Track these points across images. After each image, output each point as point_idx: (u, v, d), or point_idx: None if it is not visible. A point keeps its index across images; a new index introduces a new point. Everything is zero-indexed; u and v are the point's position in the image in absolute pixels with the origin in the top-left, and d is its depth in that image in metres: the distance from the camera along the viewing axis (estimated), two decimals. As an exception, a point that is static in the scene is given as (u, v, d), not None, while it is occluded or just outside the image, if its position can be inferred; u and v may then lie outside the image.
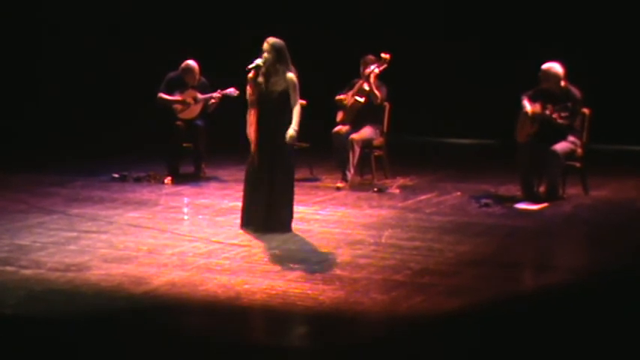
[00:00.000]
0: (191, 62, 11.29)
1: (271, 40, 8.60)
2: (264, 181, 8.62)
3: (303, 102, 8.95)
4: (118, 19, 14.85)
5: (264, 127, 8.60)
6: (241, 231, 8.64)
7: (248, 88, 8.67)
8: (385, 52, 10.68)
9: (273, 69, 8.59)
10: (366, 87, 10.80)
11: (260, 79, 8.60)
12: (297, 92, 8.61)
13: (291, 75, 8.59)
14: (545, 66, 9.90)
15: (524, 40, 13.34)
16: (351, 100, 10.87)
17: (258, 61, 8.56)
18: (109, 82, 14.50)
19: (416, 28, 14.03)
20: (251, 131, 8.66)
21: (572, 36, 13.18)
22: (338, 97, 11.01)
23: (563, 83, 9.87)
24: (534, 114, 9.82)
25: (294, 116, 8.59)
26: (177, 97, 11.23)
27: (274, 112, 8.60)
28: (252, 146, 8.66)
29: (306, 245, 8.22)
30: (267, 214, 8.61)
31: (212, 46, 13.84)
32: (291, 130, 8.56)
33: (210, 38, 14.36)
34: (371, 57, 10.84)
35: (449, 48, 13.86)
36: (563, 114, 9.74)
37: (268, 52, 8.56)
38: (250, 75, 8.59)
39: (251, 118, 8.66)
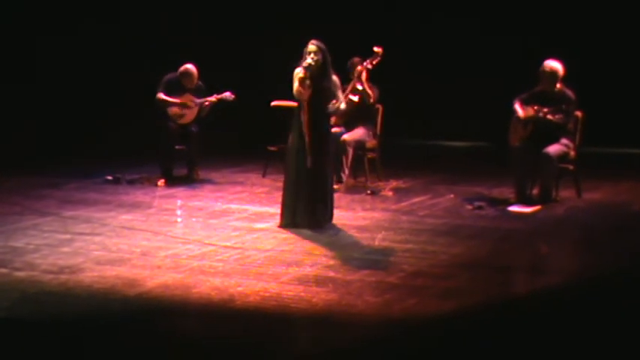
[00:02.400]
0: (190, 66, 11.25)
1: (316, 42, 8.72)
2: (312, 178, 8.77)
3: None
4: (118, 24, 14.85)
5: (315, 127, 8.74)
6: (236, 233, 8.65)
7: (298, 87, 8.68)
8: (378, 46, 10.60)
9: (322, 71, 8.72)
10: (359, 86, 10.76)
11: (308, 80, 8.67)
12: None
13: (335, 77, 8.86)
14: (548, 64, 9.86)
15: (518, 43, 13.34)
16: (345, 101, 10.82)
17: (309, 61, 8.62)
18: (102, 84, 14.46)
19: (407, 29, 14.05)
20: (306, 130, 8.73)
21: (565, 38, 13.19)
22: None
23: (558, 85, 9.87)
24: (527, 117, 9.83)
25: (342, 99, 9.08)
26: (176, 100, 11.22)
27: (324, 114, 8.87)
28: (308, 146, 8.74)
29: (300, 247, 8.22)
30: (320, 208, 8.84)
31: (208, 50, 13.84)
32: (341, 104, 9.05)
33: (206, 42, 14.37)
34: (357, 59, 10.78)
35: (442, 49, 13.88)
36: (557, 116, 9.77)
37: (316, 53, 8.67)
38: (301, 74, 8.64)
39: (305, 117, 8.74)
